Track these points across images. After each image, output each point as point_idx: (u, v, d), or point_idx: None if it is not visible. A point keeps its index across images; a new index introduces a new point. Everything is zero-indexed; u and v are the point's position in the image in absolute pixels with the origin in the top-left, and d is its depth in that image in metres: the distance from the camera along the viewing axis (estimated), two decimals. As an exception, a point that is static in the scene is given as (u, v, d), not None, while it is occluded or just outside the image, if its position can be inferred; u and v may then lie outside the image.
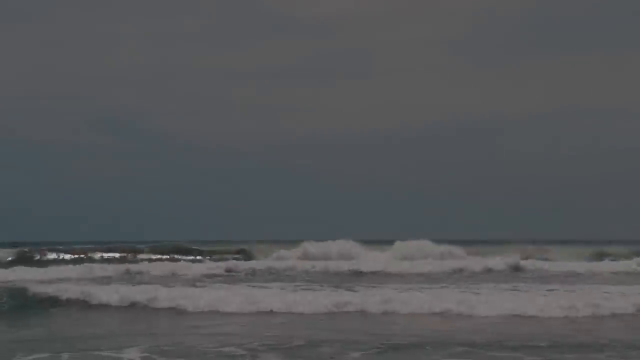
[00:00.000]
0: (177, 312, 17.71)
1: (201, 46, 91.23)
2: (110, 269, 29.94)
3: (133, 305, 18.50)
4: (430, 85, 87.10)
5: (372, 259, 34.76)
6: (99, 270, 29.63)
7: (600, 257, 35.83)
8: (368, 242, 37.71)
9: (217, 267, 31.79)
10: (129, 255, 39.13)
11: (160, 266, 31.82)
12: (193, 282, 23.90)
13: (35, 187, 78.65)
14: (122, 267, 30.76)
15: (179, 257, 38.91)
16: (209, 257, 38.62)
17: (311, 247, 37.40)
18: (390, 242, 37.58)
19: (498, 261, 31.92)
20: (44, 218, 75.27)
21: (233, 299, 18.17)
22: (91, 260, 36.76)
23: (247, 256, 38.57)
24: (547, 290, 20.83)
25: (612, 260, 34.31)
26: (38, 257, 39.30)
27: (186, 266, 31.88)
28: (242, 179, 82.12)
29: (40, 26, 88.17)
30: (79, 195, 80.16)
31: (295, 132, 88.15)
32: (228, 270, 30.74)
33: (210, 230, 74.13)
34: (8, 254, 39.02)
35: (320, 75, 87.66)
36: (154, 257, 38.69)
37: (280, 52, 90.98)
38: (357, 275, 29.47)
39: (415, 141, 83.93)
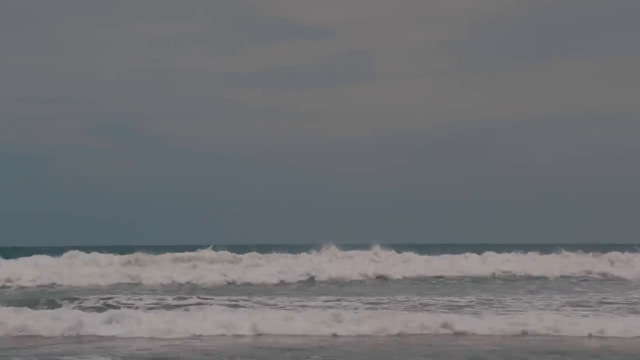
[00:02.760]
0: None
1: (200, 51, 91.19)
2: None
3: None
4: (428, 89, 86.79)
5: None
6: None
7: None
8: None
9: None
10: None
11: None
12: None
13: (35, 189, 78.73)
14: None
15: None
16: None
17: None
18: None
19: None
20: (43, 221, 75.39)
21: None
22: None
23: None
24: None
25: None
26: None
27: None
28: (240, 182, 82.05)
29: (40, 31, 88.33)
30: (78, 197, 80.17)
31: (294, 134, 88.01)
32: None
33: (208, 233, 74.03)
34: None
35: (319, 78, 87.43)
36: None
37: (279, 56, 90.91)
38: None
39: (413, 144, 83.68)
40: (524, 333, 16.68)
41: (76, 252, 35.75)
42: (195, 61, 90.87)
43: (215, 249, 37.12)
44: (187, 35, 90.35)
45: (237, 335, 16.35)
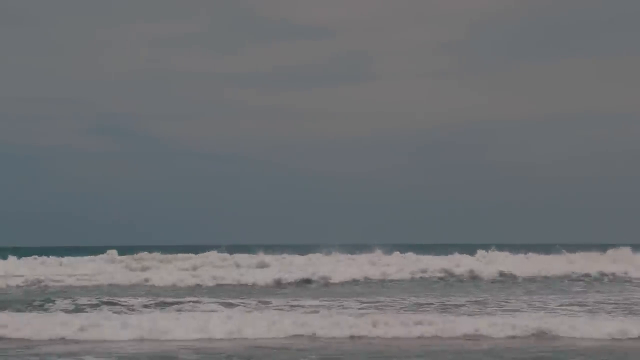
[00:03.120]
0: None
1: (200, 51, 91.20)
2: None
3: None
4: (428, 89, 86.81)
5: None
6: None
7: None
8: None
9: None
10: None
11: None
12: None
13: (35, 189, 78.82)
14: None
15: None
16: None
17: None
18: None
19: None
20: (43, 221, 75.46)
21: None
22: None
23: None
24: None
25: None
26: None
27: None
28: (240, 182, 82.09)
29: (40, 31, 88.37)
30: (78, 197, 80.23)
31: (294, 134, 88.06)
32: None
33: (208, 233, 73.99)
34: None
35: (319, 78, 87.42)
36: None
37: (279, 56, 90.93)
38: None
39: (413, 144, 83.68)
40: (523, 333, 16.61)
41: (78, 257, 36.12)
42: (195, 61, 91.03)
43: (215, 249, 37.27)
44: (187, 35, 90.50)
45: (232, 336, 16.29)
